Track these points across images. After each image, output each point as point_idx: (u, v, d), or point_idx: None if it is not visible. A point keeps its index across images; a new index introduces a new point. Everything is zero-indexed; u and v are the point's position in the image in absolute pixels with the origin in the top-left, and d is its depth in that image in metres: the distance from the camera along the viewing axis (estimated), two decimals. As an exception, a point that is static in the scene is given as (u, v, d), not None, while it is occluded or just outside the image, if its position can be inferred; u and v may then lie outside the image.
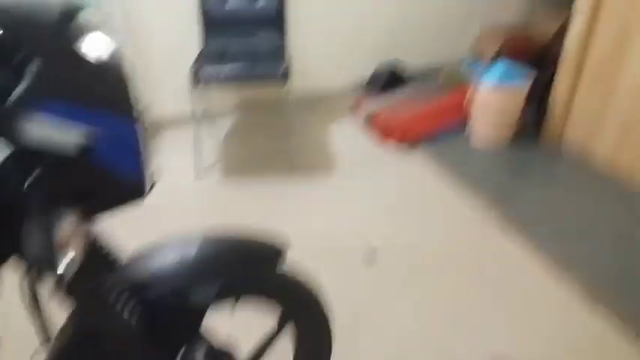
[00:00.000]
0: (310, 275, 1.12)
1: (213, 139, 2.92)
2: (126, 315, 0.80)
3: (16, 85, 0.58)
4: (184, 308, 0.87)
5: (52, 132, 0.61)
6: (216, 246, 0.94)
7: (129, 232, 1.97)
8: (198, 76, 2.36)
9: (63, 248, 0.60)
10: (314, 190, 2.42)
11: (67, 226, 0.62)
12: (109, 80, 0.69)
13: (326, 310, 1.14)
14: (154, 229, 2.12)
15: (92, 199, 0.71)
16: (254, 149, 2.81)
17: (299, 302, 1.10)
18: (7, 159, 0.60)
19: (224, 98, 3.12)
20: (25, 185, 0.60)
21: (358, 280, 1.87)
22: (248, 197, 2.39)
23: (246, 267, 0.96)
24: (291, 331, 1.15)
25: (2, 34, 0.58)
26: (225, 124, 3.08)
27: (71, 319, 0.81)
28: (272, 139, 2.88)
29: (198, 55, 2.57)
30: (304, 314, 1.13)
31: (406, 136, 2.73)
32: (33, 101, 0.59)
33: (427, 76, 3.29)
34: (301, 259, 1.23)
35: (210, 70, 2.40)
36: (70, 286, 0.70)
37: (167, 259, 0.89)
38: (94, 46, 0.67)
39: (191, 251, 0.91)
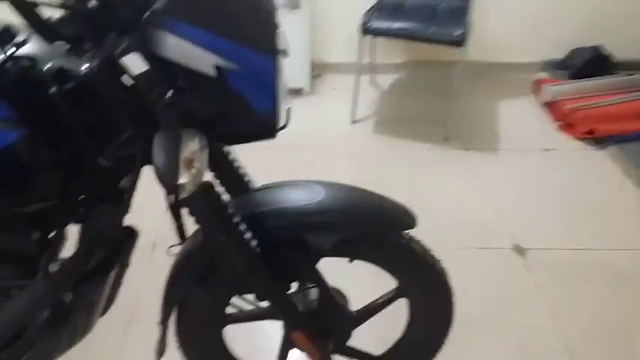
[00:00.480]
0: (439, 256, 1.04)
1: (373, 92, 2.89)
2: (247, 237, 0.81)
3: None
4: (300, 248, 0.86)
5: (192, 52, 0.62)
6: (347, 197, 0.91)
7: (269, 164, 2.09)
8: (367, 27, 2.30)
9: (186, 166, 0.61)
10: (468, 166, 2.26)
11: (193, 146, 0.62)
12: (255, 16, 0.68)
13: (449, 296, 1.06)
14: (293, 165, 2.21)
15: (222, 126, 0.71)
16: (412, 110, 2.73)
17: (418, 280, 1.04)
18: (146, 73, 0.61)
19: (392, 53, 3.04)
20: (162, 100, 0.62)
21: (496, 274, 1.70)
22: (394, 157, 2.34)
23: (371, 226, 0.91)
24: (408, 305, 1.09)
25: None
26: (388, 80, 3.02)
27: (199, 230, 0.85)
28: (434, 103, 2.75)
29: (374, 4, 2.50)
30: (421, 293, 1.07)
31: (595, 130, 2.38)
32: (172, 21, 0.60)
33: (634, 68, 2.80)
34: (436, 240, 1.14)
35: (381, 22, 2.33)
36: (191, 201, 0.74)
37: (297, 196, 0.89)
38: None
39: (321, 195, 0.88)
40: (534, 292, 1.63)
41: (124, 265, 1.01)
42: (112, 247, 0.93)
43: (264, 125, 0.72)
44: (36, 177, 0.72)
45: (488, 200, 2.05)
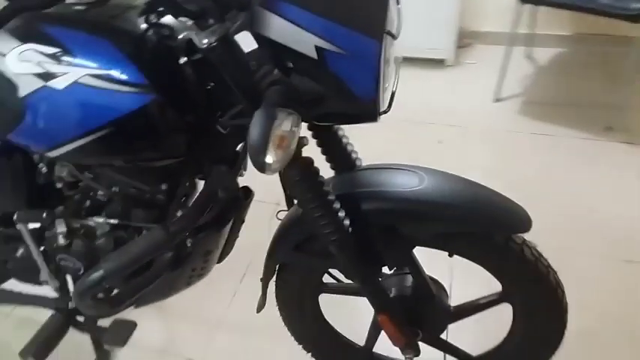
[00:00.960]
0: (567, 264, 0.94)
1: (528, 67, 2.62)
2: (340, 216, 0.82)
3: None
4: (394, 234, 0.84)
5: (294, 33, 0.63)
6: (452, 188, 0.86)
7: (394, 138, 2.04)
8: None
9: (277, 145, 0.62)
10: (629, 164, 1.94)
11: (287, 125, 0.64)
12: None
13: (559, 312, 0.96)
14: (420, 141, 2.14)
15: (321, 107, 0.71)
16: (571, 91, 2.41)
17: (525, 288, 0.96)
18: (254, 51, 0.64)
19: (556, 23, 2.70)
20: (268, 78, 0.63)
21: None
22: (539, 144, 2.11)
23: (474, 223, 0.85)
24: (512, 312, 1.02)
25: None
26: (547, 54, 2.70)
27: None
28: (599, 85, 2.39)
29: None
30: (527, 303, 0.98)
31: None
32: (276, 2, 0.62)
33: None
34: (572, 246, 1.02)
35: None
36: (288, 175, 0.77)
37: (398, 181, 0.86)
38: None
39: (424, 183, 0.85)
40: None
41: (239, 221, 1.10)
42: (227, 203, 1.02)
43: (363, 110, 0.70)
44: (164, 137, 0.81)
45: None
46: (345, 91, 0.67)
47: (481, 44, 2.83)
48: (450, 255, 0.95)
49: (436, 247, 0.92)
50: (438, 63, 2.70)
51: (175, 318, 1.47)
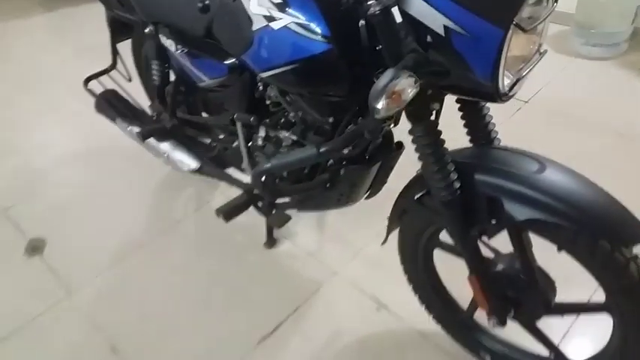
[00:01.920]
0: None
1: None
2: (451, 177, 0.96)
3: None
4: (496, 209, 0.94)
5: (428, 12, 0.77)
6: (567, 182, 0.91)
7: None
8: None
9: (390, 97, 0.80)
10: None
11: (403, 85, 0.80)
12: None
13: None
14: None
15: (444, 80, 0.84)
16: None
17: (626, 304, 0.95)
18: (402, 23, 0.82)
19: None
20: (408, 46, 0.80)
21: None
22: None
23: (576, 221, 0.88)
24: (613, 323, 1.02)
25: None
26: None
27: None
28: None
29: None
30: (627, 319, 0.97)
31: None
32: None
33: None
34: None
35: None
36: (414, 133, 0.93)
37: (519, 163, 0.94)
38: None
39: (543, 171, 0.91)
40: None
41: (388, 167, 1.30)
42: (377, 148, 1.23)
43: (482, 88, 0.82)
44: (334, 79, 1.03)
45: None
46: (466, 69, 0.80)
47: None
48: (559, 250, 0.99)
49: (543, 236, 0.97)
50: None
51: (328, 235, 1.79)
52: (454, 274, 1.25)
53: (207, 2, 1.15)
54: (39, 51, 3.28)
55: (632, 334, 0.98)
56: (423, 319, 1.40)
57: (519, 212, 0.92)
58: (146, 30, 1.47)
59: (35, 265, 1.74)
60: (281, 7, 0.98)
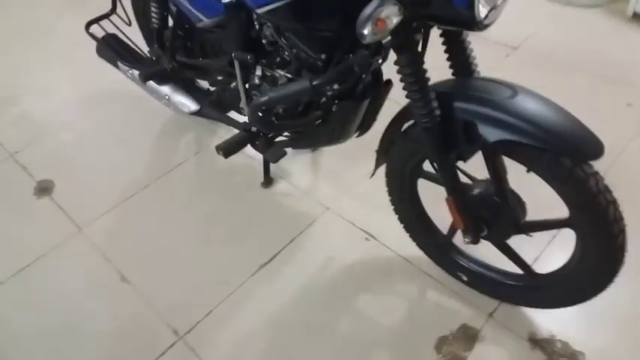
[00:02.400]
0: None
1: None
2: (433, 105, 1.05)
3: None
4: (474, 131, 1.04)
5: None
6: (536, 106, 1.00)
7: (575, 92, 1.99)
8: None
9: (376, 24, 0.88)
10: None
11: (388, 12, 0.88)
12: None
13: (615, 245, 1.05)
14: (607, 100, 2.06)
15: (426, 9, 0.92)
16: None
17: (585, 217, 1.06)
18: None
19: None
20: None
21: None
22: None
23: (542, 140, 0.97)
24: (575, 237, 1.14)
25: None
26: None
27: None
28: None
29: None
30: (586, 232, 1.08)
31: None
32: None
33: None
34: None
35: None
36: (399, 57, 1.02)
37: (494, 90, 1.04)
38: None
39: (515, 97, 1.01)
40: None
41: (377, 103, 1.39)
42: (366, 86, 1.32)
43: (460, 16, 0.90)
44: (327, 13, 1.11)
45: None
46: None
47: None
48: (527, 170, 1.09)
49: (515, 159, 1.08)
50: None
51: (322, 174, 1.89)
52: (436, 203, 1.37)
53: None
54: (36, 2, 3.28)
55: (590, 247, 1.10)
56: (408, 247, 1.52)
57: (491, 134, 1.01)
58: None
59: (45, 204, 1.85)
60: None
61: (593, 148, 0.97)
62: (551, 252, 1.49)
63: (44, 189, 1.91)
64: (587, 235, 1.09)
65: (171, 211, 1.80)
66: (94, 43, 1.93)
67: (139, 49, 1.92)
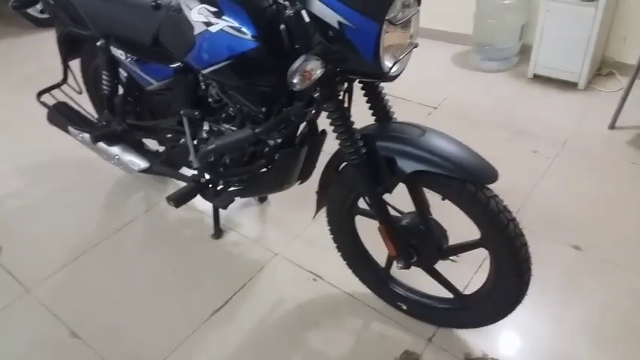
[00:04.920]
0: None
1: None
2: (358, 144, 1.23)
3: None
4: (391, 166, 1.22)
5: (327, 12, 1.05)
6: (441, 142, 1.20)
7: (493, 141, 2.25)
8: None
9: (302, 75, 1.06)
10: None
11: (312, 65, 1.07)
12: None
13: (519, 259, 1.22)
14: (516, 147, 2.35)
15: (343, 63, 1.12)
16: None
17: (491, 235, 1.23)
18: (310, 23, 1.08)
19: None
20: (315, 39, 1.08)
21: None
22: (636, 173, 2.16)
23: (448, 168, 1.16)
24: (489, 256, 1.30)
25: None
26: None
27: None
28: None
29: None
30: (495, 249, 1.25)
31: None
32: None
33: None
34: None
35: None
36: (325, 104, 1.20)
37: (408, 131, 1.23)
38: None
39: (424, 135, 1.20)
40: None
41: (315, 151, 1.56)
42: (304, 135, 1.49)
43: (371, 69, 1.10)
44: (263, 71, 1.27)
45: None
46: (357, 54, 1.07)
47: (622, 76, 2.83)
48: (442, 199, 1.27)
49: (430, 188, 1.26)
50: (570, 85, 2.81)
51: (269, 222, 2.01)
52: (372, 239, 1.52)
53: (158, 1, 1.34)
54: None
55: (500, 262, 1.27)
56: (352, 284, 1.64)
57: (408, 166, 1.20)
58: (98, 43, 1.67)
59: (-9, 269, 1.84)
60: (217, 15, 1.23)
61: (490, 173, 1.17)
62: (480, 275, 1.66)
63: (-10, 254, 1.90)
64: (496, 252, 1.26)
65: (121, 266, 1.84)
66: (38, 115, 2.02)
67: (89, 114, 2.03)
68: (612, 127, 2.43)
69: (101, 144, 1.84)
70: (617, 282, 1.66)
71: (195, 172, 1.71)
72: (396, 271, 1.51)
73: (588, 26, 2.58)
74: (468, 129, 2.49)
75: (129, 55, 1.61)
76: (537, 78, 2.90)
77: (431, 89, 2.85)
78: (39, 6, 1.91)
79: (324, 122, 1.40)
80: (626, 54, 2.83)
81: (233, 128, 1.51)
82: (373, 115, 1.36)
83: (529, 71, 2.90)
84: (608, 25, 2.73)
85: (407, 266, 1.39)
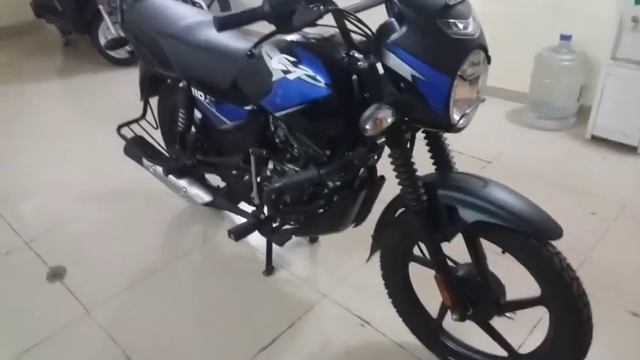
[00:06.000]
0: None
1: None
2: (420, 191, 1.27)
3: None
4: (452, 214, 1.24)
5: (400, 65, 1.12)
6: (504, 194, 1.21)
7: (556, 203, 2.25)
8: None
9: (375, 122, 1.13)
10: None
11: (384, 114, 1.13)
12: (446, 45, 1.10)
13: (580, 319, 1.20)
14: (576, 209, 2.32)
15: (413, 113, 1.18)
16: None
17: (552, 293, 1.22)
18: (383, 74, 1.17)
19: None
20: (389, 89, 1.16)
21: None
22: None
23: (512, 222, 1.17)
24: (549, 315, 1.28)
25: None
26: None
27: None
28: None
29: None
30: (556, 307, 1.24)
31: None
32: (394, 46, 1.12)
33: None
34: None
35: None
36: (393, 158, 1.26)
37: (470, 182, 1.26)
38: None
39: (487, 187, 1.23)
40: None
41: (372, 196, 1.60)
42: (363, 179, 1.54)
43: (439, 121, 1.15)
44: (333, 117, 1.36)
45: None
46: (428, 106, 1.13)
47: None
48: (503, 252, 1.28)
49: (490, 240, 1.27)
50: (628, 149, 2.76)
51: (320, 263, 2.05)
52: (427, 289, 1.52)
53: (253, 51, 1.42)
54: (56, 108, 3.63)
55: (561, 322, 1.25)
56: (401, 333, 1.63)
57: (469, 216, 1.22)
58: (180, 84, 1.82)
59: (56, 288, 1.95)
60: (295, 64, 1.33)
61: (554, 229, 1.17)
62: (536, 335, 1.62)
63: (56, 274, 2.02)
64: (557, 311, 1.24)
65: (177, 295, 1.91)
66: (107, 145, 2.17)
67: (162, 149, 2.18)
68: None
69: (171, 177, 1.97)
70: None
71: (255, 208, 1.78)
72: (449, 324, 1.50)
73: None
74: (522, 184, 2.41)
75: (208, 96, 1.74)
76: (595, 139, 2.87)
77: (485, 144, 2.86)
78: (128, 47, 2.11)
79: (383, 169, 1.45)
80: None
81: (296, 168, 1.59)
82: (434, 164, 1.40)
83: (587, 132, 2.87)
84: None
85: (462, 318, 1.38)
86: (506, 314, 1.37)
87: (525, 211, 1.19)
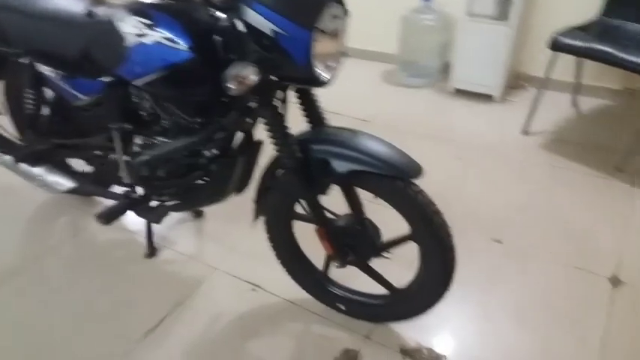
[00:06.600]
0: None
1: (570, 111, 2.91)
2: (294, 148, 1.27)
3: None
4: (327, 167, 1.27)
5: (261, 21, 1.09)
6: (371, 143, 1.26)
7: (421, 149, 2.42)
8: (557, 42, 2.36)
9: (236, 80, 1.11)
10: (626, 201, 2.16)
11: (247, 72, 1.11)
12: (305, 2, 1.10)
13: (446, 249, 1.30)
14: (441, 154, 2.50)
15: (278, 70, 1.16)
16: (603, 137, 2.65)
17: (420, 228, 1.31)
18: (243, 33, 1.13)
19: (605, 77, 2.94)
20: (251, 46, 1.12)
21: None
22: (546, 171, 2.38)
23: (378, 166, 1.23)
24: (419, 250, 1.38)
25: None
26: (590, 104, 2.97)
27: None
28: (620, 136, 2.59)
29: (585, 24, 2.52)
30: (424, 241, 1.33)
31: None
32: (254, 3, 1.09)
33: None
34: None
35: (576, 40, 2.34)
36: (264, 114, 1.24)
37: (341, 135, 1.29)
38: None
39: (355, 137, 1.27)
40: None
41: (252, 161, 1.57)
42: (240, 145, 1.50)
43: (305, 75, 1.14)
44: (198, 82, 1.28)
45: (628, 240, 1.95)
46: (291, 61, 1.12)
47: (533, 87, 3.10)
48: (375, 196, 1.33)
49: (362, 187, 1.32)
50: (486, 97, 3.04)
51: (205, 237, 1.99)
52: (311, 243, 1.54)
53: (94, 10, 1.30)
54: None
55: (428, 252, 1.34)
56: (292, 291, 1.66)
57: (341, 166, 1.25)
58: (22, 60, 1.61)
59: None
60: (150, 27, 1.24)
61: (415, 169, 1.24)
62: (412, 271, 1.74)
63: None
64: (424, 244, 1.34)
65: (46, 294, 1.74)
66: None
67: (10, 136, 1.93)
68: (525, 133, 2.65)
69: (22, 165, 1.75)
70: (535, 270, 1.80)
71: (127, 188, 1.67)
72: (334, 273, 1.55)
73: (501, 43, 2.82)
74: (398, 139, 2.56)
75: (56, 71, 1.56)
76: (459, 92, 3.11)
77: (362, 104, 2.98)
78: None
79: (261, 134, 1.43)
80: (534, 68, 3.10)
81: (167, 141, 1.50)
82: (308, 122, 1.40)
83: (451, 86, 3.11)
84: (519, 42, 2.98)
85: (343, 264, 1.43)
86: (383, 254, 1.45)
87: (391, 156, 1.25)
